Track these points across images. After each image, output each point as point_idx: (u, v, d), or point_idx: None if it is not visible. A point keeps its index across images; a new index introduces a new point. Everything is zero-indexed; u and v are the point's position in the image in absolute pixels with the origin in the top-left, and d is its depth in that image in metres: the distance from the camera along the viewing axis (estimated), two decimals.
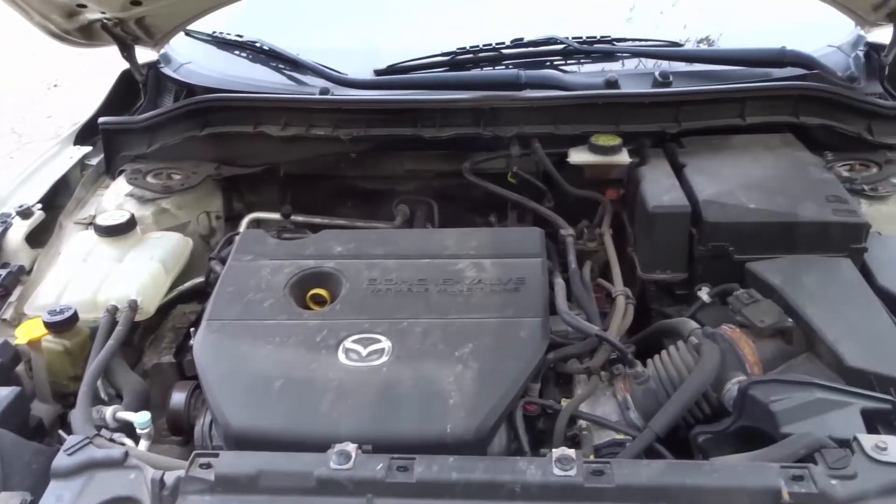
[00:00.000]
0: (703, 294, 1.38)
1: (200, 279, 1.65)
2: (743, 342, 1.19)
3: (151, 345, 1.51)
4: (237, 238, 1.51)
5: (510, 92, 1.73)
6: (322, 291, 1.37)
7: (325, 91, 1.80)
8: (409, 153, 1.88)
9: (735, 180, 1.49)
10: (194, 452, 1.01)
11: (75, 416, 1.16)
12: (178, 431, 1.31)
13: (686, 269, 1.46)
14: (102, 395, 1.36)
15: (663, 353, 1.26)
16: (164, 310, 1.60)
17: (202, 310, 1.56)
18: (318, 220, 1.94)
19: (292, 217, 1.91)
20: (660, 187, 1.50)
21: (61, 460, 1.02)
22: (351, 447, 1.01)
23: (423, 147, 1.79)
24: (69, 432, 1.16)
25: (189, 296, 1.65)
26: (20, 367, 1.40)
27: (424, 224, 1.95)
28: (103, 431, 1.13)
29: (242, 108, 1.80)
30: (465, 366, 1.17)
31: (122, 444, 1.13)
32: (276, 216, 1.91)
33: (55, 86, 6.02)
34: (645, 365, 1.26)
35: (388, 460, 0.99)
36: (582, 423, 1.19)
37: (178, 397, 1.31)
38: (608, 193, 1.70)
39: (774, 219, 1.39)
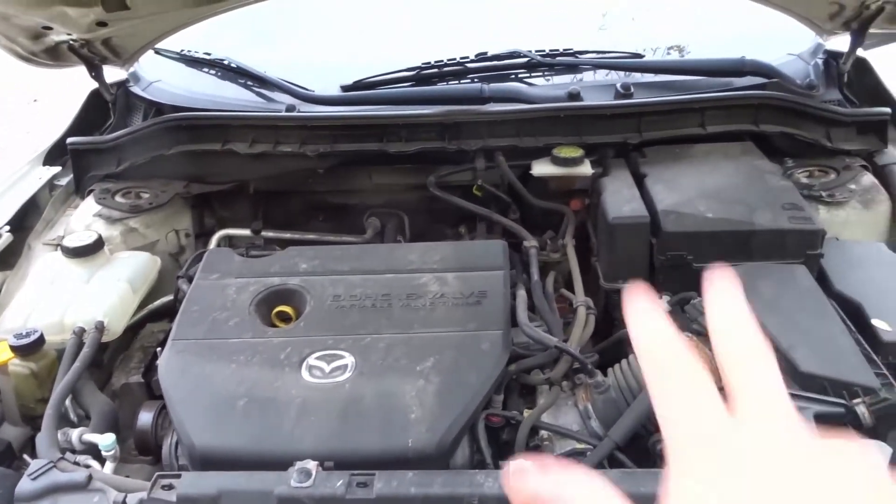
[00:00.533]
0: (663, 303, 1.40)
1: (170, 297, 1.66)
2: (699, 351, 1.21)
3: (120, 365, 1.52)
4: (204, 257, 1.52)
5: (474, 106, 1.75)
6: (287, 309, 1.38)
7: (291, 108, 1.82)
8: (376, 167, 1.90)
9: (694, 190, 1.52)
10: (157, 474, 1.02)
11: (40, 439, 1.16)
12: (145, 451, 1.32)
13: (647, 278, 1.49)
14: (72, 416, 1.36)
15: (623, 362, 1.28)
16: (134, 329, 1.61)
17: (170, 330, 1.57)
18: (288, 235, 1.96)
19: (262, 233, 1.92)
20: (620, 198, 1.53)
21: (24, 485, 1.03)
22: (311, 465, 1.02)
23: (390, 161, 1.81)
24: (35, 456, 1.17)
25: (158, 314, 1.66)
26: None
27: (395, 237, 1.96)
28: (68, 455, 1.13)
29: (210, 127, 1.82)
30: (426, 380, 1.19)
31: (88, 467, 1.14)
32: (246, 232, 1.92)
33: (35, 101, 5.98)
34: (606, 374, 1.29)
35: (348, 477, 1.00)
36: (543, 433, 1.21)
37: (145, 417, 1.32)
38: (573, 204, 1.72)
39: (731, 227, 1.41)
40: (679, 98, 1.76)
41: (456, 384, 1.18)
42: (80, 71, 1.89)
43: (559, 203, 1.74)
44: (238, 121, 1.81)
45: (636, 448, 1.19)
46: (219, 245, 1.89)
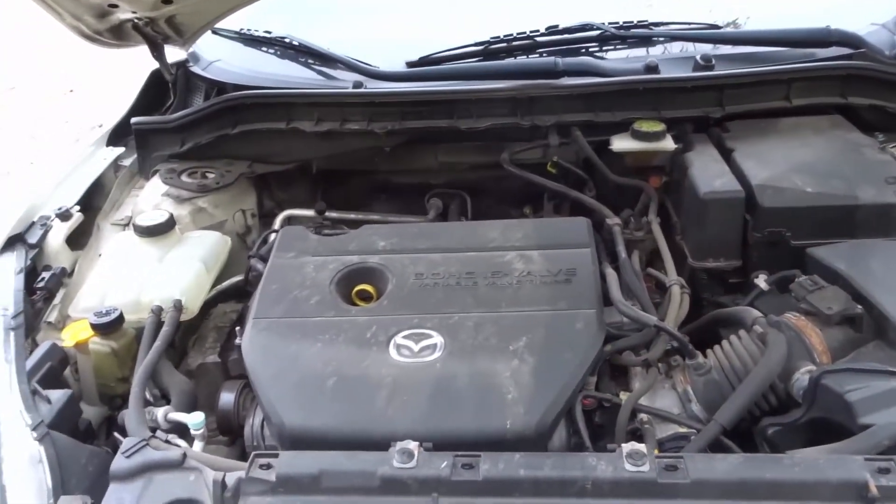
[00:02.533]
0: (761, 282, 1.34)
1: (239, 277, 1.63)
2: (810, 330, 1.15)
3: (195, 345, 1.50)
4: (278, 235, 1.48)
5: (548, 80, 1.69)
6: (368, 287, 1.35)
7: (357, 84, 1.77)
8: (443, 145, 1.85)
9: (787, 164, 1.45)
10: (253, 453, 0.99)
11: (129, 417, 1.14)
12: (227, 431, 1.30)
13: (740, 257, 1.42)
14: (148, 395, 1.35)
15: (724, 343, 1.22)
16: (205, 309, 1.58)
17: (244, 308, 1.55)
18: (352, 215, 1.92)
19: (326, 213, 1.89)
20: (710, 173, 1.46)
21: (120, 463, 1.01)
22: (412, 445, 0.98)
23: (458, 139, 1.76)
24: (123, 434, 1.15)
25: (229, 294, 1.64)
26: (66, 371, 1.39)
27: (458, 217, 1.92)
28: (158, 433, 1.11)
29: (274, 105, 1.78)
30: (521, 360, 1.14)
31: (178, 446, 1.12)
32: (309, 213, 1.89)
33: (71, 91, 6.04)
34: (704, 356, 1.23)
35: (453, 458, 0.96)
36: (643, 416, 1.16)
37: (227, 397, 1.29)
38: (651, 181, 1.66)
39: (833, 202, 1.34)
40: (764, 70, 1.68)
41: (552, 365, 1.13)
42: (115, 61, 1.86)
43: (636, 180, 1.67)
44: (303, 98, 1.77)
45: (738, 433, 1.13)
46: (283, 225, 1.86)
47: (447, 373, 1.14)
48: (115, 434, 1.21)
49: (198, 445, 1.16)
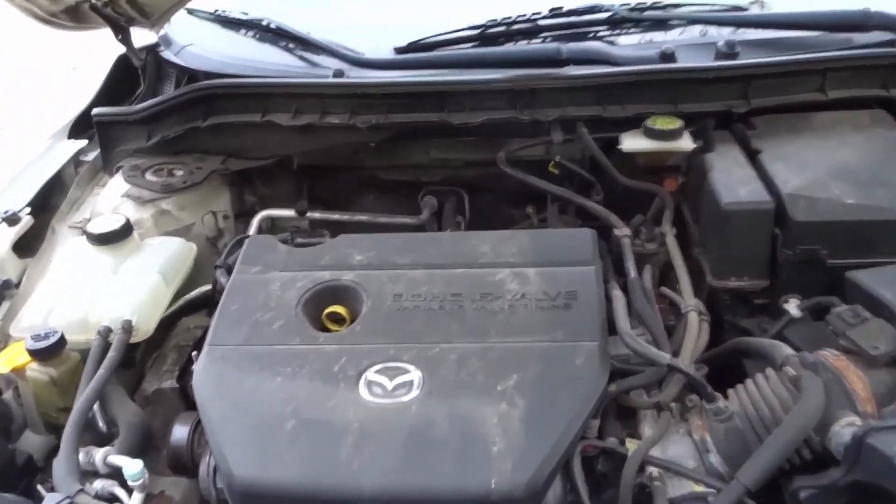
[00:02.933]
0: (792, 307, 1.16)
1: (208, 287, 1.48)
2: (851, 373, 0.98)
3: (153, 365, 1.35)
4: (243, 246, 1.32)
5: (550, 69, 1.51)
6: (340, 309, 1.18)
7: (339, 73, 1.60)
8: (435, 140, 1.68)
9: (823, 168, 1.26)
10: None
11: (57, 466, 1.00)
12: (180, 470, 1.15)
13: (767, 276, 1.24)
14: (100, 423, 1.20)
15: (749, 383, 1.05)
16: (169, 322, 1.44)
17: (209, 325, 1.40)
18: (336, 216, 1.76)
19: (308, 214, 1.73)
20: (733, 178, 1.28)
21: None
22: None
23: (451, 134, 1.58)
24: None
25: (196, 306, 1.49)
26: (8, 395, 1.25)
27: (454, 217, 1.76)
28: (88, 487, 0.96)
29: (248, 96, 1.61)
30: (510, 403, 0.98)
31: (112, 500, 0.97)
32: (290, 213, 1.73)
33: (74, 69, 5.86)
34: (725, 396, 1.06)
35: None
36: (653, 470, 1.00)
37: (180, 432, 1.14)
38: (666, 184, 1.47)
39: (878, 216, 1.16)
40: (796, 58, 1.48)
41: (546, 409, 0.97)
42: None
43: (650, 182, 1.49)
44: (280, 88, 1.60)
45: (767, 492, 0.97)
46: (260, 228, 1.71)
47: (424, 417, 0.98)
48: (39, 487, 1.07)
49: (137, 499, 1.00)
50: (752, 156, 1.35)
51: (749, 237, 1.22)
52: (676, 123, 1.42)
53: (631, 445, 1.03)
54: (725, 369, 1.18)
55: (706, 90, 1.47)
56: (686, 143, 1.40)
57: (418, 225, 1.75)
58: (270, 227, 1.77)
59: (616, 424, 1.10)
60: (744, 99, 1.47)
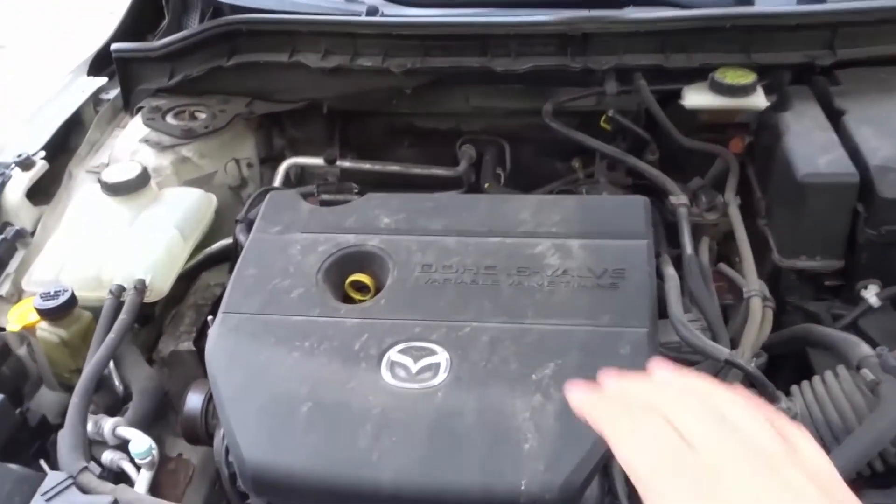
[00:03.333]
0: (870, 295, 1.03)
1: (230, 240, 1.40)
2: None
3: (170, 325, 1.29)
4: (263, 203, 1.23)
5: (608, 11, 1.34)
6: (364, 278, 1.09)
7: (372, 11, 1.46)
8: (476, 87, 1.54)
9: None
10: None
11: (62, 440, 0.95)
12: (193, 440, 1.10)
13: (842, 256, 1.10)
14: (116, 381, 1.16)
15: (817, 382, 0.93)
16: (190, 276, 1.37)
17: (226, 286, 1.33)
18: (367, 165, 1.66)
19: (338, 163, 1.62)
20: (812, 144, 1.12)
21: None
22: None
23: (493, 80, 1.44)
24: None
25: (217, 259, 1.42)
26: (22, 351, 1.21)
27: (494, 169, 1.64)
28: (92, 465, 0.91)
29: (274, 33, 1.49)
30: (545, 395, 0.89)
31: (120, 472, 0.93)
32: (318, 161, 1.63)
33: (111, 14, 5.61)
34: (788, 393, 0.94)
35: None
36: None
37: (194, 401, 1.08)
38: (732, 144, 1.32)
39: None
40: (891, 3, 1.28)
41: None
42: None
43: (712, 142, 1.33)
44: (308, 26, 1.47)
45: None
46: (287, 176, 1.62)
47: (451, 406, 0.90)
48: (42, 462, 1.02)
49: (145, 476, 0.95)
50: (835, 117, 1.19)
51: (827, 213, 1.08)
52: (749, 77, 1.25)
53: None
54: (787, 358, 1.07)
55: (786, 38, 1.29)
56: (759, 101, 1.24)
57: (455, 177, 1.64)
58: (300, 173, 1.68)
59: None
60: (829, 49, 1.29)
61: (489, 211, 1.15)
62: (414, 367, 0.94)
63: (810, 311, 1.13)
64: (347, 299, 1.09)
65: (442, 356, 0.95)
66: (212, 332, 1.03)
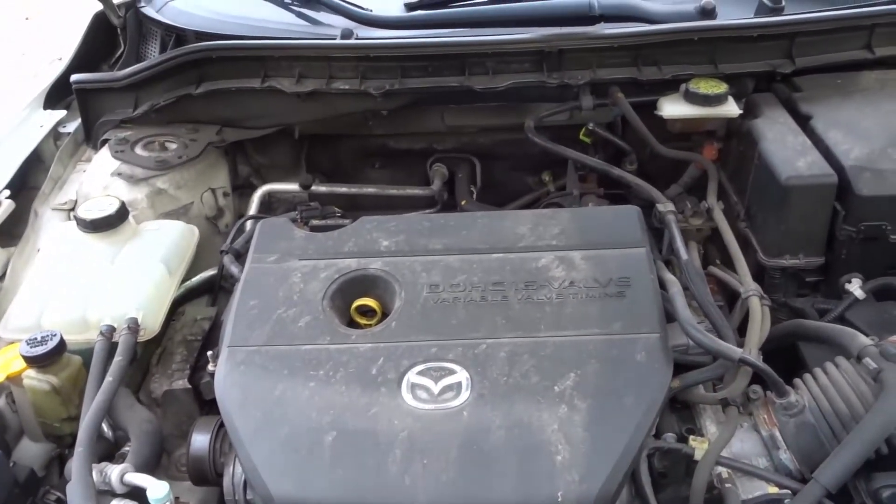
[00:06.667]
0: (855, 288, 1.09)
1: (211, 272, 1.37)
2: None
3: (159, 363, 1.24)
4: (256, 230, 1.20)
5: (582, 28, 1.38)
6: (370, 302, 1.08)
7: (347, 33, 1.45)
8: (451, 106, 1.55)
9: (884, 136, 1.18)
10: None
11: (73, 494, 0.89)
12: (202, 481, 1.06)
13: (823, 253, 1.17)
14: (107, 431, 1.10)
15: (820, 374, 0.98)
16: (170, 311, 1.32)
17: (216, 315, 1.29)
18: (343, 189, 1.65)
19: (313, 188, 1.60)
20: (788, 149, 1.19)
21: None
22: None
23: (471, 100, 1.46)
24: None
25: (199, 292, 1.37)
26: (0, 402, 1.13)
27: (468, 186, 1.65)
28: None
29: (246, 59, 1.46)
30: (569, 406, 0.90)
31: None
32: (292, 187, 1.61)
33: (27, 19, 5.45)
34: (790, 384, 0.99)
35: None
36: (722, 471, 0.93)
37: (201, 441, 1.04)
38: (705, 151, 1.38)
39: None
40: (842, 13, 1.38)
41: (611, 411, 0.90)
42: None
43: (687, 150, 1.39)
44: (281, 50, 1.45)
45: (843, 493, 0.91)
46: (261, 205, 1.58)
47: (478, 424, 0.90)
48: None
49: None
50: (803, 122, 1.26)
51: (808, 213, 1.14)
52: (722, 87, 1.31)
53: (696, 445, 0.96)
54: (779, 353, 1.12)
55: (749, 49, 1.37)
56: (732, 109, 1.30)
57: (430, 196, 1.64)
58: (267, 200, 1.65)
59: (671, 418, 1.03)
60: (788, 58, 1.37)
61: (487, 228, 1.16)
62: (435, 388, 0.94)
63: (795, 307, 1.19)
64: (353, 324, 1.08)
65: (462, 375, 0.95)
66: (220, 369, 1.00)
